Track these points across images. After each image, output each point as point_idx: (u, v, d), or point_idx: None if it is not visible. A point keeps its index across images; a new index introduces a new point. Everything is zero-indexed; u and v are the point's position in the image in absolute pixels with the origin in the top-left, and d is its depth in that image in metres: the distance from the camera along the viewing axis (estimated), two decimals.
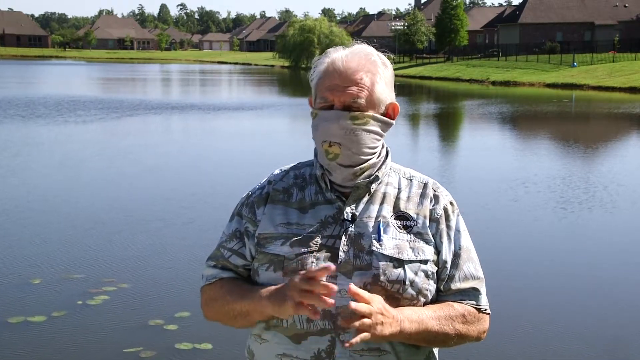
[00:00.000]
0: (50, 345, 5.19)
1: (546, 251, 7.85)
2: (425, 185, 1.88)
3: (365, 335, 1.63)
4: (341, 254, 1.75)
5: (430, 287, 1.80)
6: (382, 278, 1.73)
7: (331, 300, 1.61)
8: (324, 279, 1.63)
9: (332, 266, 1.61)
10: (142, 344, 5.13)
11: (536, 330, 5.55)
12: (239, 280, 1.87)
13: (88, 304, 5.91)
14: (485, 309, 1.85)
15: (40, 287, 6.37)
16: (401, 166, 1.93)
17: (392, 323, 1.67)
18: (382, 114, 1.82)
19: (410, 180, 1.89)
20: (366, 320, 1.62)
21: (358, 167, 1.80)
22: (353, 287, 1.63)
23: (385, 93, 1.82)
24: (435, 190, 1.88)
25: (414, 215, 1.82)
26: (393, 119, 1.85)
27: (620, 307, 6.17)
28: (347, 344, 1.65)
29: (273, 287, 1.73)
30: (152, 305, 6.00)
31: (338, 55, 1.81)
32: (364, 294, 1.64)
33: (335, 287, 1.61)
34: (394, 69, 1.90)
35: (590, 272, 7.25)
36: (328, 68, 1.80)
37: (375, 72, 1.80)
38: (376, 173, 1.83)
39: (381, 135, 1.83)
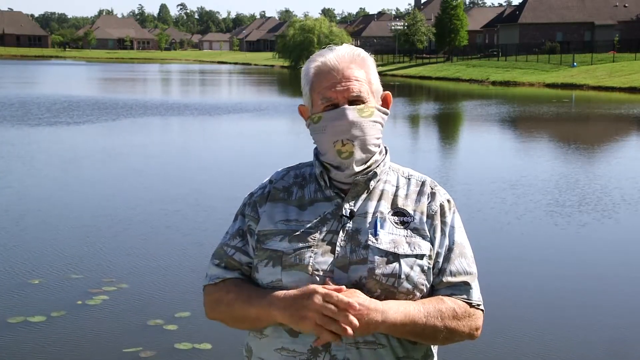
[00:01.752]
0: (50, 345, 5.19)
1: (544, 252, 7.85)
2: (423, 184, 1.92)
3: (327, 337, 1.67)
4: (338, 248, 1.78)
5: (427, 282, 1.81)
6: (377, 272, 1.75)
7: (350, 332, 1.65)
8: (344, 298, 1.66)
9: (356, 305, 1.65)
10: (142, 344, 5.13)
11: (533, 330, 5.55)
12: (244, 282, 1.87)
13: (88, 304, 5.91)
14: (478, 305, 1.85)
15: (40, 287, 6.37)
16: (400, 166, 1.97)
17: (371, 313, 1.68)
18: (380, 105, 1.89)
19: (409, 179, 1.92)
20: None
21: (366, 164, 1.85)
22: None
23: (378, 83, 1.90)
24: (432, 188, 1.91)
25: (412, 212, 1.85)
26: (388, 108, 1.92)
27: (617, 307, 6.17)
28: (313, 344, 1.70)
29: (286, 296, 1.73)
30: (152, 305, 6.01)
31: (328, 56, 1.86)
32: (335, 298, 1.67)
33: (355, 322, 1.65)
34: (394, 69, 1.93)
35: (588, 273, 7.26)
36: (322, 69, 1.84)
37: (367, 65, 1.87)
38: (375, 170, 1.87)
39: (382, 126, 1.88)
